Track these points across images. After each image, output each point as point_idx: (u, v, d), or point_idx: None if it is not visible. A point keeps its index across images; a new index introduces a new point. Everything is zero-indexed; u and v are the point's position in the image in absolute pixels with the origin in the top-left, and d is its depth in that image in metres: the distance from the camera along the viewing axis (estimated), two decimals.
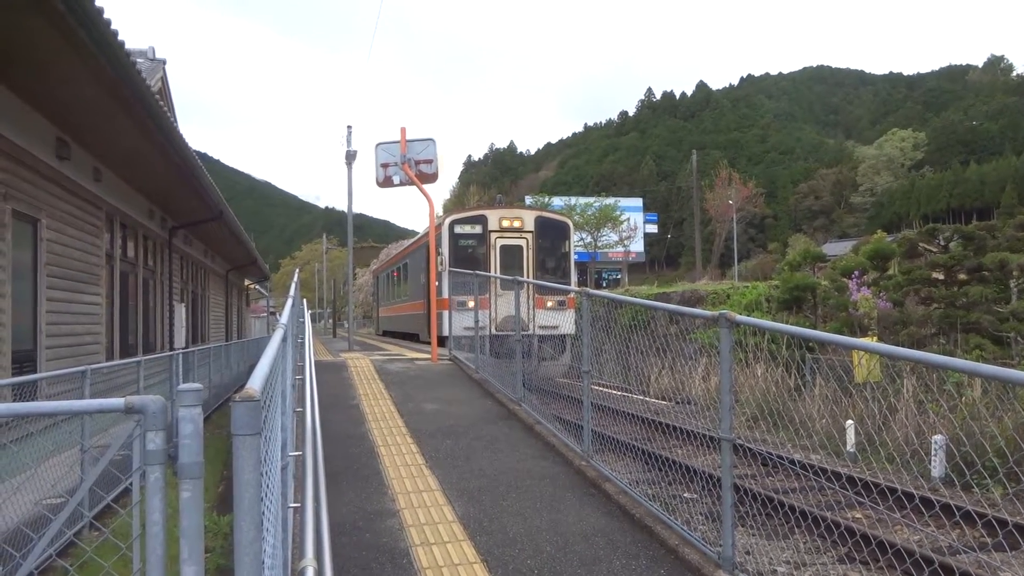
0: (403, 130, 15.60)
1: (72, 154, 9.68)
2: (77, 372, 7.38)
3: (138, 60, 8.49)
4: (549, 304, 16.93)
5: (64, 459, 6.76)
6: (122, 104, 8.10)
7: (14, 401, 6.69)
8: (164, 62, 16.21)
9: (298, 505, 3.71)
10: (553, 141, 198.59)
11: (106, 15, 6.29)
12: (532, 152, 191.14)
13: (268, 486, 2.44)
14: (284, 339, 4.01)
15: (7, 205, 7.84)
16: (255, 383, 2.07)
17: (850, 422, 10.21)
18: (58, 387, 7.88)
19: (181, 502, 1.83)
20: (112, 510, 7.52)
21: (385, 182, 15.75)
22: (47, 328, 8.94)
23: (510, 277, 12.21)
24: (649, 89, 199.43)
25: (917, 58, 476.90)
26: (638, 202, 79.22)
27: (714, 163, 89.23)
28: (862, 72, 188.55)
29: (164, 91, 15.98)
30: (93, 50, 6.50)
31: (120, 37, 6.72)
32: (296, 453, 4.36)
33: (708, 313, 5.14)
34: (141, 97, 7.95)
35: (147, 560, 1.92)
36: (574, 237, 20.72)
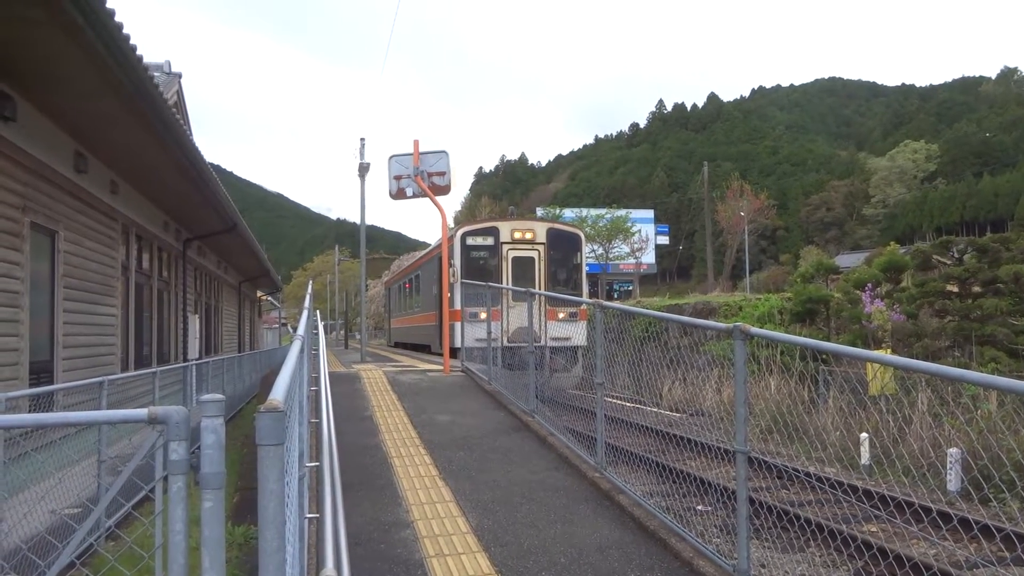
0: (416, 142, 15.64)
1: (90, 167, 9.78)
2: (95, 383, 7.43)
3: (155, 74, 8.58)
4: (561, 316, 16.94)
5: (82, 469, 6.80)
6: (139, 117, 8.19)
7: (30, 412, 6.75)
8: (180, 75, 16.38)
9: (315, 515, 3.72)
10: (564, 153, 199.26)
11: (124, 29, 6.37)
12: (543, 164, 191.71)
13: (288, 496, 2.46)
14: (301, 350, 4.03)
15: (26, 217, 7.93)
16: (278, 393, 2.07)
17: (865, 435, 10.15)
18: (73, 398, 7.93)
19: (203, 512, 1.83)
20: (125, 520, 7.54)
21: (398, 194, 15.78)
22: (63, 339, 9.01)
23: (522, 289, 12.22)
24: (660, 101, 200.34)
25: (929, 70, 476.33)
26: (649, 214, 79.02)
27: (725, 175, 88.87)
28: (874, 84, 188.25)
29: (180, 104, 16.14)
30: (111, 64, 6.58)
31: (138, 51, 6.80)
32: (313, 464, 4.37)
33: (722, 325, 5.14)
34: (158, 111, 8.04)
35: (169, 569, 1.94)
36: (586, 249, 20.72)
